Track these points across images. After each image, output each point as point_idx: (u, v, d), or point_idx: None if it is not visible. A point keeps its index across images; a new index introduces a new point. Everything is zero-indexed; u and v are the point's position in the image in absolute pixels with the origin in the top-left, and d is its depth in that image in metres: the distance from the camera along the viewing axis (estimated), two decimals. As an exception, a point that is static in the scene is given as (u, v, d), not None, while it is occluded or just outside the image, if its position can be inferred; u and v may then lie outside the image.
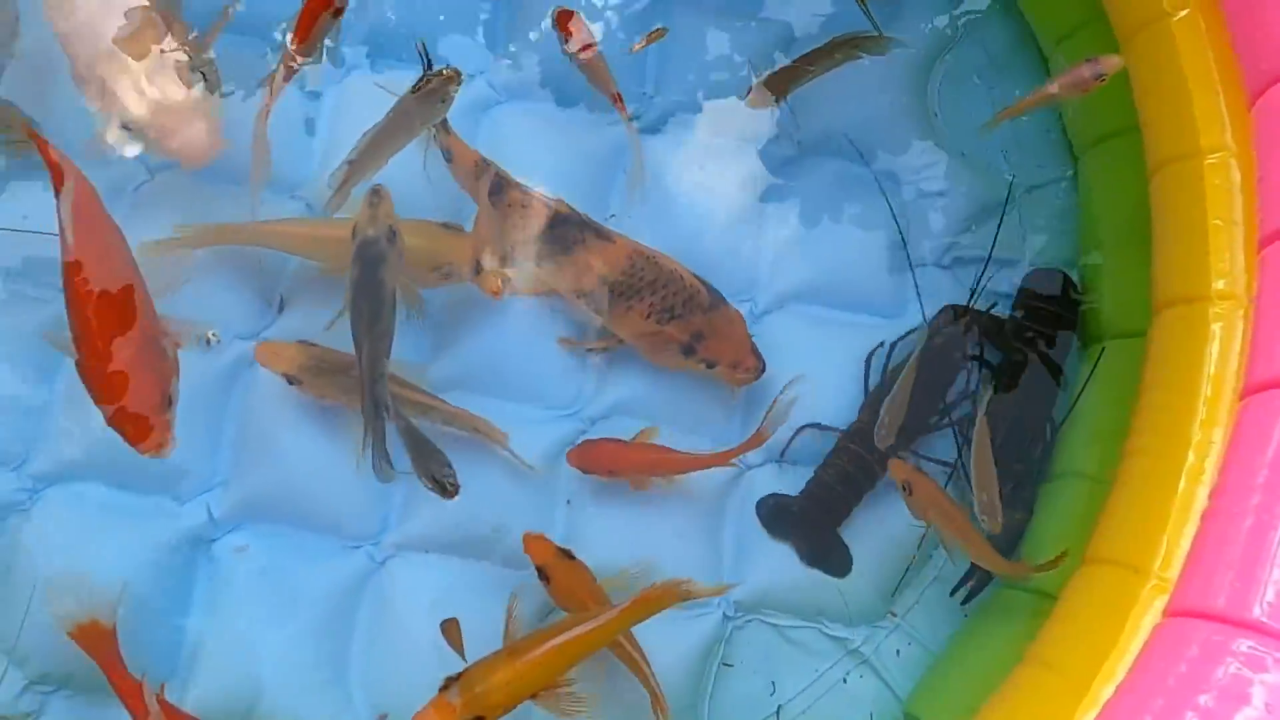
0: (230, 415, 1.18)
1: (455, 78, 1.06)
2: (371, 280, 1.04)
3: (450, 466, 1.07)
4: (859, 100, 1.31)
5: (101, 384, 0.96)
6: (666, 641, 1.15)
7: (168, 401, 0.98)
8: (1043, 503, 1.18)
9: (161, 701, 1.03)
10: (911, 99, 1.32)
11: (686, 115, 1.31)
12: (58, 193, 0.96)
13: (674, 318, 1.18)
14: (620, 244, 1.20)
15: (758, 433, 1.16)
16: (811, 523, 1.20)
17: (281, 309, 1.20)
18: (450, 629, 1.09)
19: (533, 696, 1.02)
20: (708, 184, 1.30)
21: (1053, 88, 1.12)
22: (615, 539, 1.18)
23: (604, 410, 1.22)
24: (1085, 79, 1.10)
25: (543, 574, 1.11)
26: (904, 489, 1.12)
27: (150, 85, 1.07)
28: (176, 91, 1.08)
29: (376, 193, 1.06)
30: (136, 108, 1.06)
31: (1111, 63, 1.09)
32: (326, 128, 1.27)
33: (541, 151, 1.27)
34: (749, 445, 1.16)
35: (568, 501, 1.19)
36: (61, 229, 0.96)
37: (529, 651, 1.00)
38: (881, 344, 1.25)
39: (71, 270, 0.95)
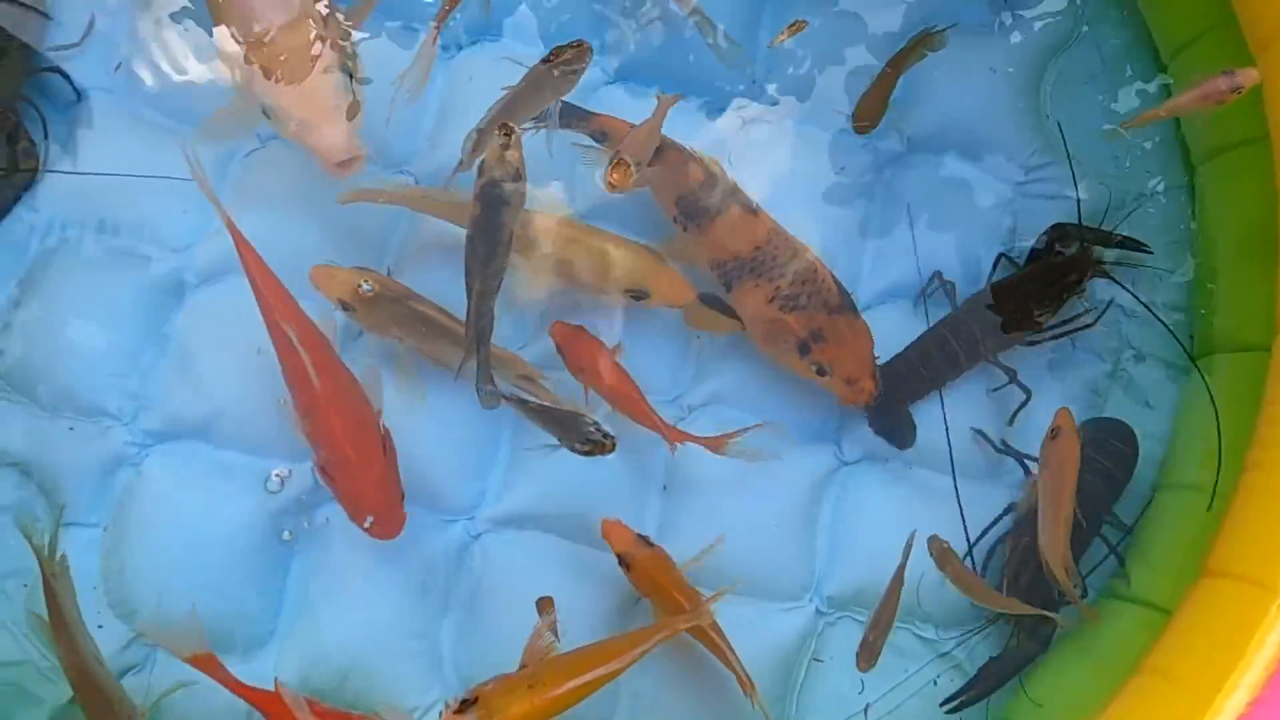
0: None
1: (588, 50, 1.06)
2: (492, 222, 1.02)
3: (595, 423, 1.04)
4: (970, 98, 1.30)
5: (357, 499, 1.05)
6: (759, 633, 1.16)
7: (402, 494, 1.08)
8: (1151, 514, 1.16)
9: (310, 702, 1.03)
10: (1024, 100, 1.31)
11: (792, 102, 1.30)
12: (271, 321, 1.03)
13: (797, 308, 1.15)
14: (762, 219, 1.18)
15: (721, 438, 1.12)
16: (886, 392, 1.19)
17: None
18: (545, 606, 1.09)
19: None
20: (808, 175, 1.29)
21: (1185, 99, 1.09)
22: (709, 527, 1.15)
23: (703, 399, 1.21)
24: (1221, 91, 1.07)
25: (623, 561, 1.10)
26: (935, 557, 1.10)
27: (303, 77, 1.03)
28: (323, 87, 1.04)
29: (508, 133, 1.02)
30: (281, 97, 1.04)
31: (1249, 76, 1.06)
32: (436, 103, 1.27)
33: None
34: (703, 441, 1.13)
35: (664, 487, 1.19)
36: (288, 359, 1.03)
37: (550, 685, 0.98)
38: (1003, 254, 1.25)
39: (317, 403, 1.03)
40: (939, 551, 1.09)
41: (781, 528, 1.19)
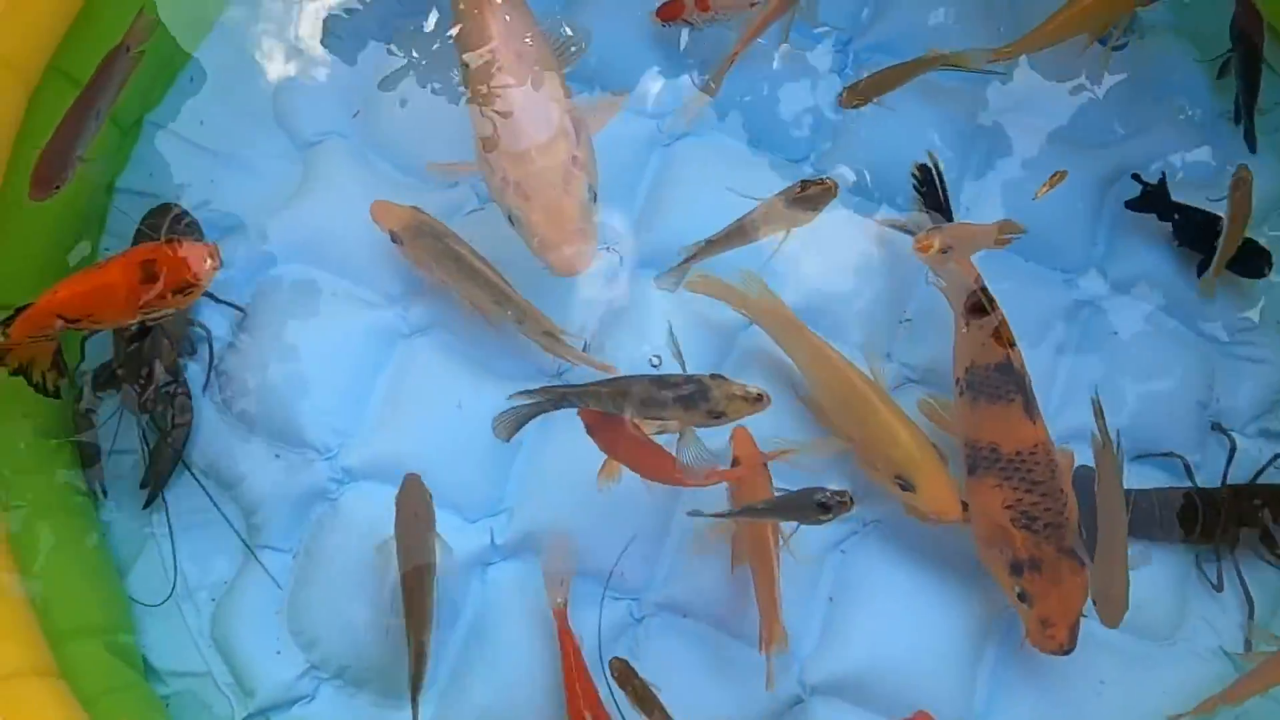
0: (525, 450, 1.20)
1: (833, 191, 1.08)
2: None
3: (821, 489, 1.02)
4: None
5: None
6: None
7: None
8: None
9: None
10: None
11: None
12: None
13: (1029, 529, 1.10)
14: (1039, 428, 1.13)
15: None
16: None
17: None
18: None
19: None
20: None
21: None
22: (873, 641, 1.15)
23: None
24: None
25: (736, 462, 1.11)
26: None
27: (558, 194, 1.06)
28: (571, 208, 1.06)
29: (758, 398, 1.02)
30: (531, 213, 1.06)
31: None
32: (648, 186, 1.31)
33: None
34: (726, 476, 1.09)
35: (830, 599, 1.18)
36: None
37: None
38: None
39: None
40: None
41: (944, 656, 1.16)
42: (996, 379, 1.14)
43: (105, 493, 1.16)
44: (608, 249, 1.30)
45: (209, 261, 1.03)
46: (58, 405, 1.16)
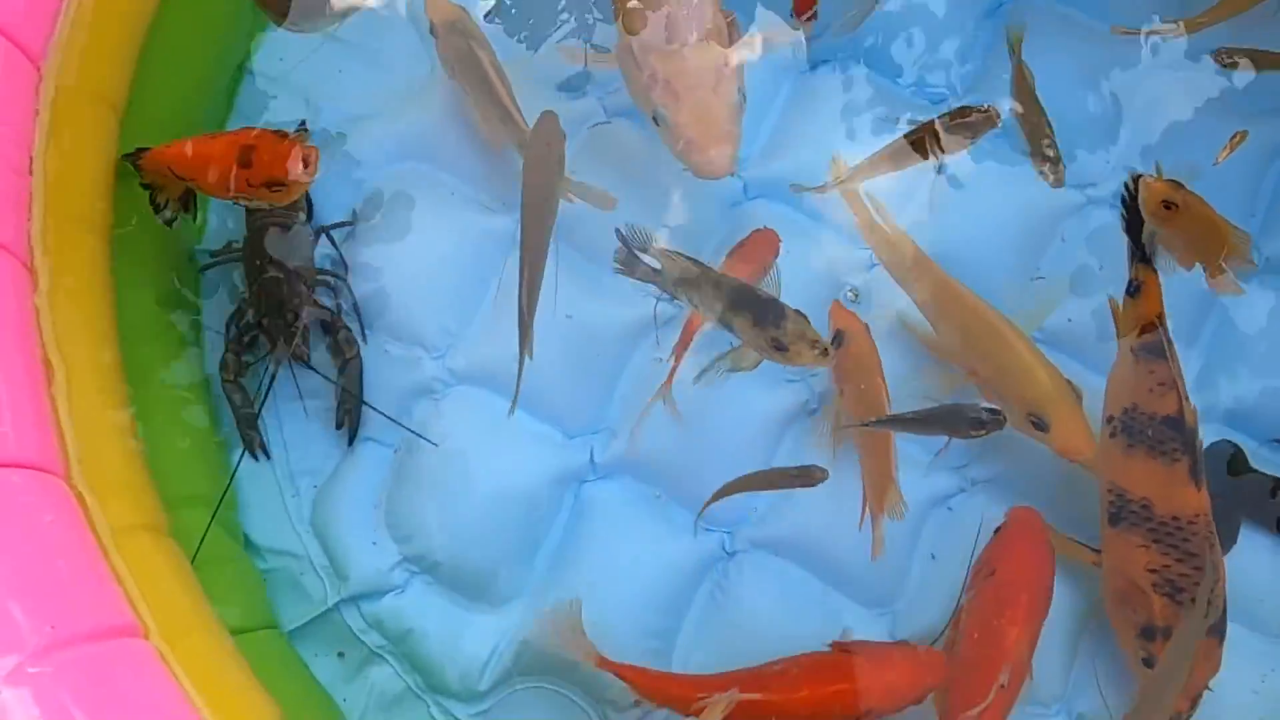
0: (628, 372, 1.19)
1: (995, 119, 1.02)
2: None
3: (974, 406, 1.00)
4: None
5: None
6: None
7: None
8: None
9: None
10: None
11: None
12: None
13: (1171, 599, 1.02)
14: (1201, 497, 1.04)
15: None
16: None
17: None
18: None
19: None
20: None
21: None
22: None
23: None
24: None
25: (838, 339, 1.10)
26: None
27: (708, 94, 1.02)
28: (721, 109, 1.03)
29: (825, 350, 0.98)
30: (679, 113, 1.02)
31: None
32: (776, 116, 1.27)
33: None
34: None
35: (932, 556, 1.15)
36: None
37: None
38: None
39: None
40: None
41: (1048, 627, 1.07)
42: (1164, 434, 1.04)
43: (269, 454, 1.15)
44: (731, 174, 1.27)
45: (304, 166, 1.00)
46: (178, 269, 1.16)
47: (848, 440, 1.13)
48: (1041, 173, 1.14)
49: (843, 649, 1.03)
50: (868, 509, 1.09)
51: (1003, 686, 0.99)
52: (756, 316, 0.98)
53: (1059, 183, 1.12)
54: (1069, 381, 1.08)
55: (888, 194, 1.21)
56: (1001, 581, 1.03)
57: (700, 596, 1.15)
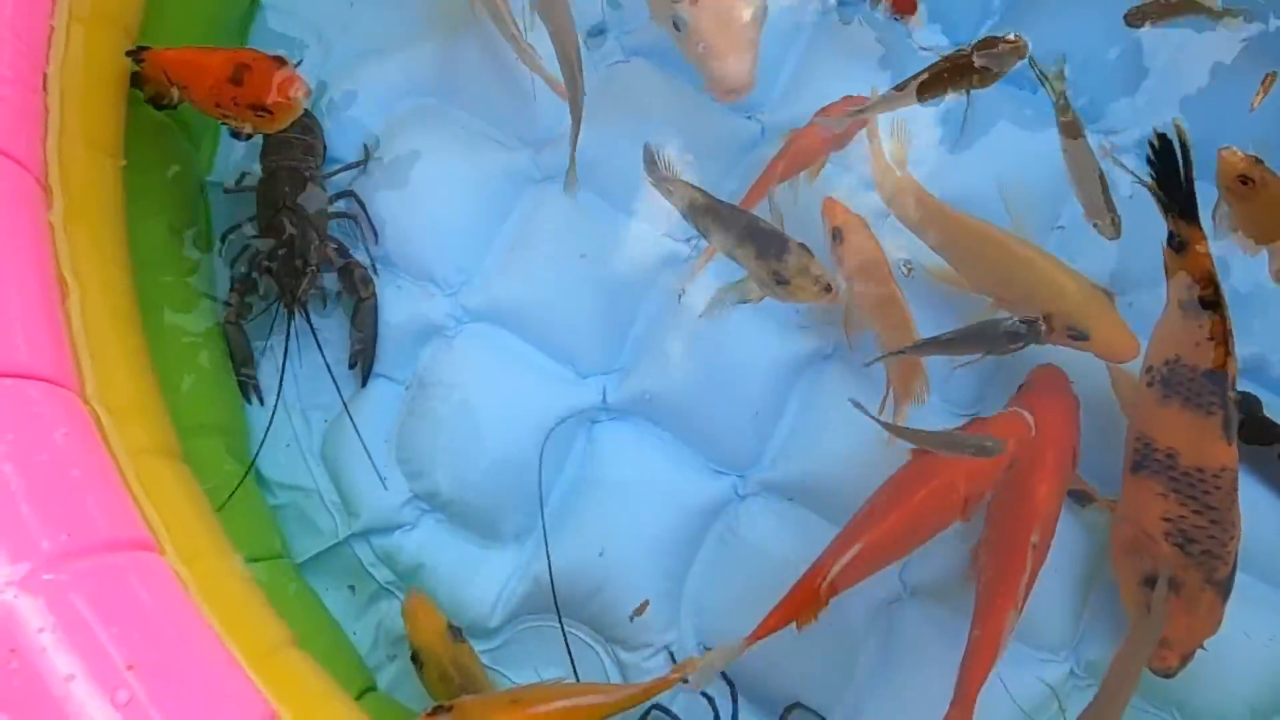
0: (643, 313, 1.18)
1: (1022, 50, 0.99)
2: None
3: (1009, 318, 0.96)
4: None
5: None
6: (1010, 680, 1.08)
7: None
8: None
9: None
10: None
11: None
12: None
13: (1183, 550, 1.01)
14: (1230, 453, 1.01)
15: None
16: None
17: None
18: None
19: None
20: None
21: None
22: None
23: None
24: None
25: (837, 235, 1.09)
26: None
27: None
28: (743, 16, 0.99)
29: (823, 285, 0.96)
30: (700, 18, 0.99)
31: None
32: (797, 59, 1.25)
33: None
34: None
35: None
36: None
37: (533, 704, 0.95)
38: None
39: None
40: None
41: (1058, 573, 1.11)
42: (1203, 386, 1.01)
43: (260, 399, 1.14)
44: (749, 117, 1.25)
45: (293, 93, 0.98)
46: (190, 203, 1.16)
47: (865, 381, 1.12)
48: (1097, 225, 1.08)
49: (919, 454, 1.00)
50: (891, 392, 1.07)
51: (1034, 546, 0.99)
52: (760, 249, 0.97)
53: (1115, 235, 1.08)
54: (1098, 285, 1.07)
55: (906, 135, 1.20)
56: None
57: (711, 539, 1.15)
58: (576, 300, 1.17)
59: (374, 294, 1.16)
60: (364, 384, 1.16)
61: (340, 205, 1.19)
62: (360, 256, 1.17)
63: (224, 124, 1.01)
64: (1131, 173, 1.06)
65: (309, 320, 1.15)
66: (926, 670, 1.11)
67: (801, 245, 0.98)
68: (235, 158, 1.21)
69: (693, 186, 1.02)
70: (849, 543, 0.98)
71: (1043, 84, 1.03)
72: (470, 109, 1.23)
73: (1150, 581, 1.03)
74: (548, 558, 1.11)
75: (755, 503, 1.15)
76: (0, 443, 0.68)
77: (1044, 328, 0.97)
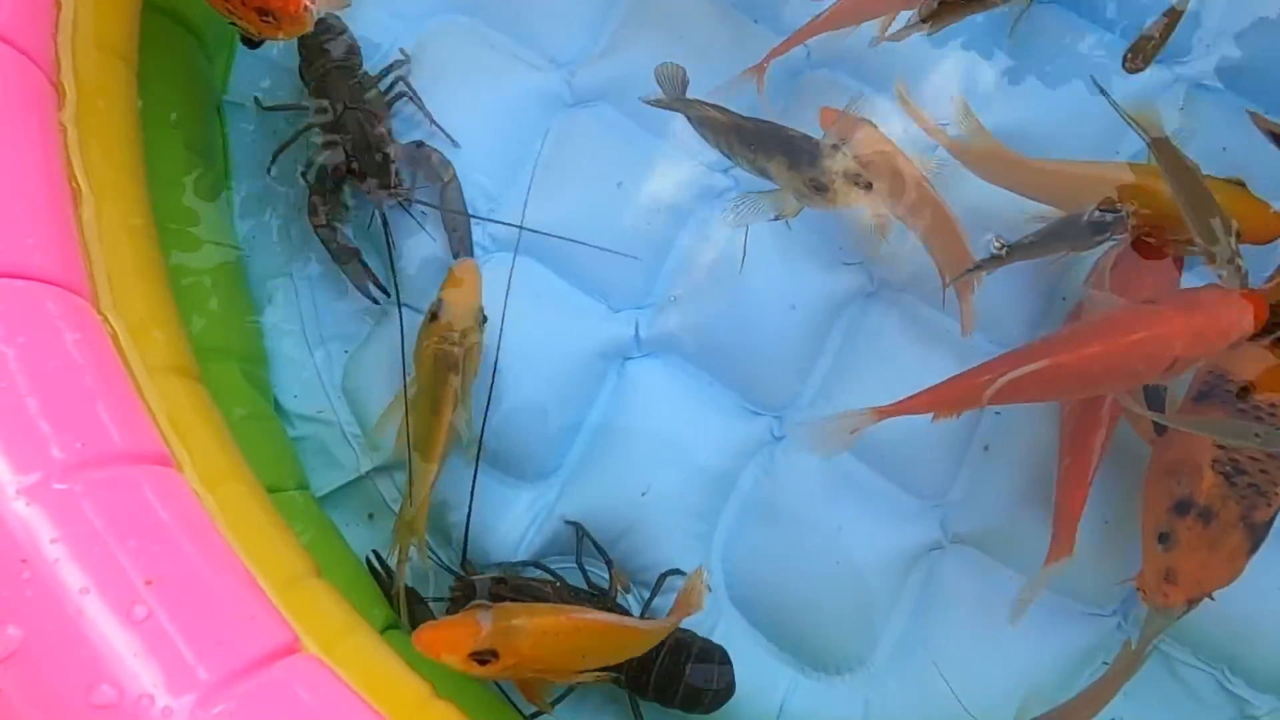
0: (678, 245, 1.12)
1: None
2: None
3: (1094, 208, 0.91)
4: None
5: None
6: (1054, 634, 1.06)
7: None
8: None
9: None
10: None
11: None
12: None
13: (1228, 479, 0.93)
14: None
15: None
16: None
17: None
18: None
19: (554, 674, 0.94)
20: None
21: None
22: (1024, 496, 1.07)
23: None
24: None
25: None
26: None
27: None
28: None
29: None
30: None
31: None
32: None
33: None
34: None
35: (985, 448, 1.09)
36: None
37: (577, 614, 0.92)
38: None
39: None
40: None
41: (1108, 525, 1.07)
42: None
43: (386, 292, 1.10)
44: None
45: (301, 7, 0.90)
46: (206, 116, 1.11)
47: (909, 321, 1.09)
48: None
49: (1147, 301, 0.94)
50: (946, 282, 1.01)
51: None
52: (791, 159, 0.91)
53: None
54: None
55: (957, 63, 1.15)
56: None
57: (745, 480, 1.11)
58: (610, 230, 1.11)
59: (455, 175, 1.10)
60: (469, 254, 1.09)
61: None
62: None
63: (231, 24, 0.95)
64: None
65: (409, 210, 1.09)
66: (966, 622, 1.07)
67: (834, 145, 0.92)
68: (254, 76, 1.16)
69: (709, 104, 0.96)
70: (1036, 355, 0.91)
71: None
72: (502, 28, 1.17)
73: (1181, 507, 0.93)
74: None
75: (792, 445, 1.10)
76: (9, 345, 0.63)
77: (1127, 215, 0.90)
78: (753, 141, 0.94)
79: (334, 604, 0.88)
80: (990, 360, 0.94)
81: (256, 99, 1.16)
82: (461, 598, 1.00)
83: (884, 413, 0.94)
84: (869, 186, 0.89)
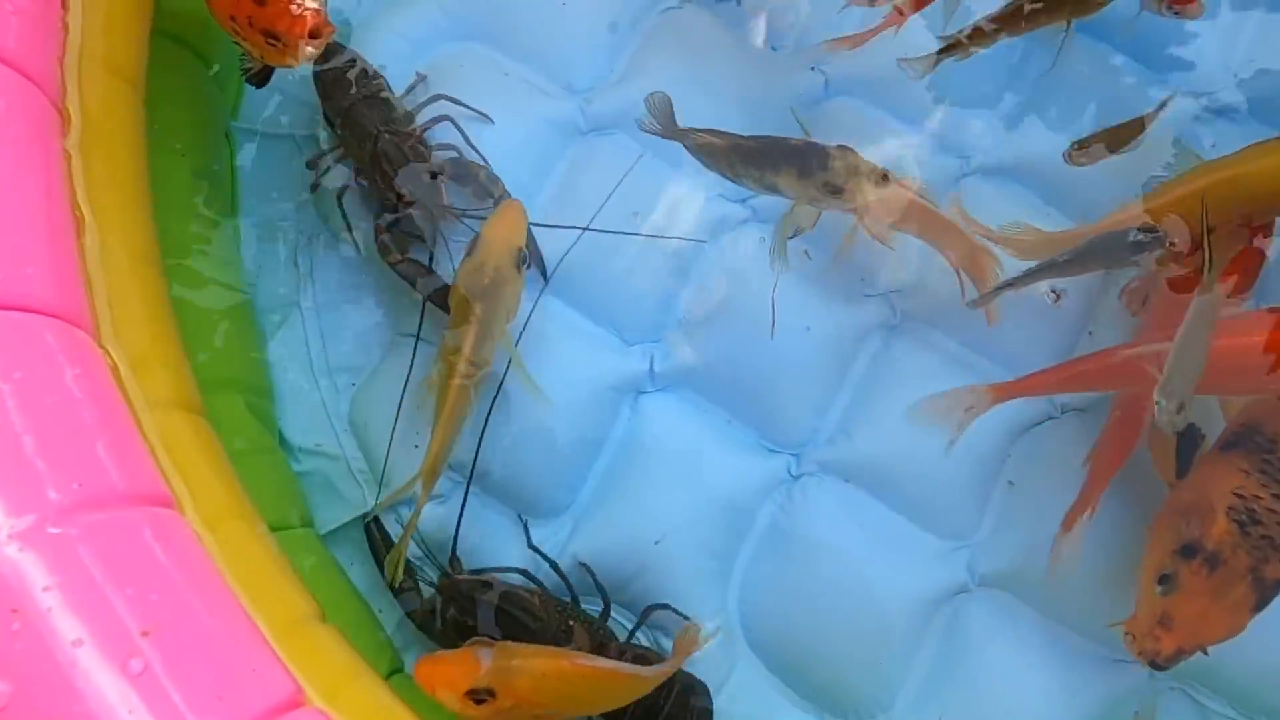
0: (694, 277, 1.09)
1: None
2: None
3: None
4: None
5: None
6: (1082, 681, 1.02)
7: None
8: None
9: None
10: None
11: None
12: None
13: (1241, 527, 0.88)
14: None
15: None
16: None
17: None
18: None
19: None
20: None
21: None
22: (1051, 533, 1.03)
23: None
24: None
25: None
26: None
27: None
28: None
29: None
30: None
31: None
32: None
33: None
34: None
35: (1010, 483, 1.06)
36: None
37: (577, 660, 0.90)
38: None
39: None
40: None
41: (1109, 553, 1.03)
42: None
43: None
44: (813, 68, 1.14)
45: (309, 22, 0.87)
46: (214, 143, 1.09)
47: (933, 353, 1.07)
48: None
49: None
50: (961, 277, 0.99)
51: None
52: (800, 168, 0.90)
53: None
54: None
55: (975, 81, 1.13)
56: None
57: (763, 519, 1.07)
58: (624, 262, 1.08)
59: (505, 189, 1.05)
60: (546, 282, 1.06)
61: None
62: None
63: (235, 44, 0.93)
64: None
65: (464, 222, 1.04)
66: (993, 668, 1.04)
67: (840, 146, 0.91)
68: (264, 102, 1.13)
69: (705, 131, 0.93)
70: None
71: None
72: (516, 55, 1.15)
73: (1187, 551, 0.89)
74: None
75: (810, 483, 1.07)
76: (6, 380, 0.61)
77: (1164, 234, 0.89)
78: (756, 159, 0.92)
79: (337, 648, 0.84)
80: (1117, 347, 0.94)
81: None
82: (445, 592, 0.98)
83: (1001, 391, 0.94)
84: (884, 179, 0.88)
